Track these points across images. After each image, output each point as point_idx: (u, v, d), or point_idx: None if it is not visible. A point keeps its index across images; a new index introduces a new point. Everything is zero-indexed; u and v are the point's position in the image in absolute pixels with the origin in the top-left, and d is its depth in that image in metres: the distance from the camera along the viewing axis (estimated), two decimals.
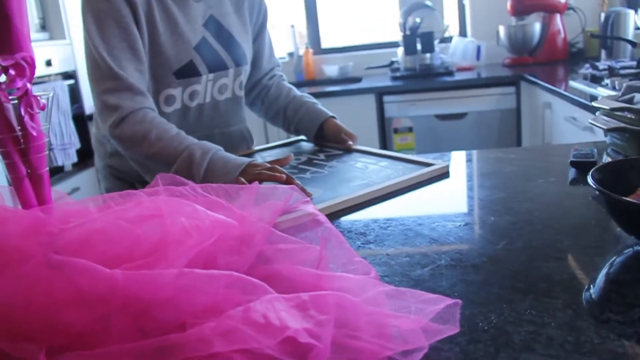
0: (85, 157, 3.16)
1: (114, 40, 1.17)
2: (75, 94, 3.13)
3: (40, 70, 2.88)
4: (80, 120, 3.18)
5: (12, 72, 0.56)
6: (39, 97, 0.58)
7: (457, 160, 1.26)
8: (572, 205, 0.93)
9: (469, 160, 1.26)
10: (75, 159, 3.06)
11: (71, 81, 3.08)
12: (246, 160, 1.11)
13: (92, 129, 1.41)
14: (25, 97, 0.57)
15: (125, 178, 1.35)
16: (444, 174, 1.12)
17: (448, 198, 1.03)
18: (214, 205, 0.63)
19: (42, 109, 0.58)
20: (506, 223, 0.85)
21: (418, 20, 3.14)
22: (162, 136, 1.15)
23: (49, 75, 2.97)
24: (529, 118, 2.87)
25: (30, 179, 0.59)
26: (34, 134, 0.58)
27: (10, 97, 0.56)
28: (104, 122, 1.19)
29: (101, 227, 0.55)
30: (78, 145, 3.08)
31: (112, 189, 1.40)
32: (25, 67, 0.57)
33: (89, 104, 3.28)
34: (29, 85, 0.57)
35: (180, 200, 0.61)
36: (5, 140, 0.57)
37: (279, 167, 1.09)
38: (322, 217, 0.66)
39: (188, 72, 1.29)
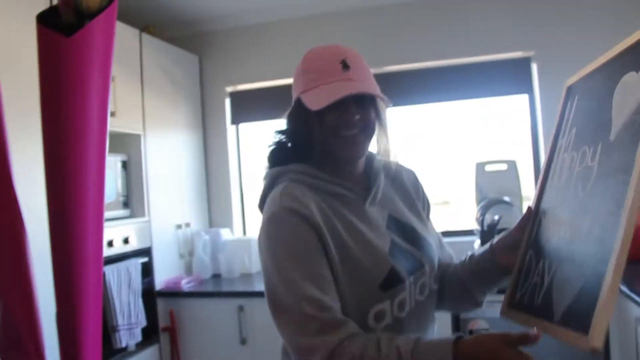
0: (149, 334, 3.11)
1: (311, 270, 1.11)
2: (146, 269, 3.14)
3: (118, 248, 2.92)
4: (149, 295, 3.17)
5: None
6: None
7: None
8: None
9: None
10: (139, 339, 3.00)
11: (145, 259, 3.10)
12: (451, 338, 1.03)
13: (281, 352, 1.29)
14: None
15: None
16: None
17: None
18: None
19: None
20: None
21: (496, 217, 3.07)
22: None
23: (126, 253, 3.00)
24: (617, 337, 2.66)
25: None
26: None
27: None
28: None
29: None
30: (144, 323, 3.03)
31: None
32: None
33: (159, 279, 3.28)
34: None
35: None
36: None
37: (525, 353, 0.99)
38: None
39: (393, 282, 1.18)
